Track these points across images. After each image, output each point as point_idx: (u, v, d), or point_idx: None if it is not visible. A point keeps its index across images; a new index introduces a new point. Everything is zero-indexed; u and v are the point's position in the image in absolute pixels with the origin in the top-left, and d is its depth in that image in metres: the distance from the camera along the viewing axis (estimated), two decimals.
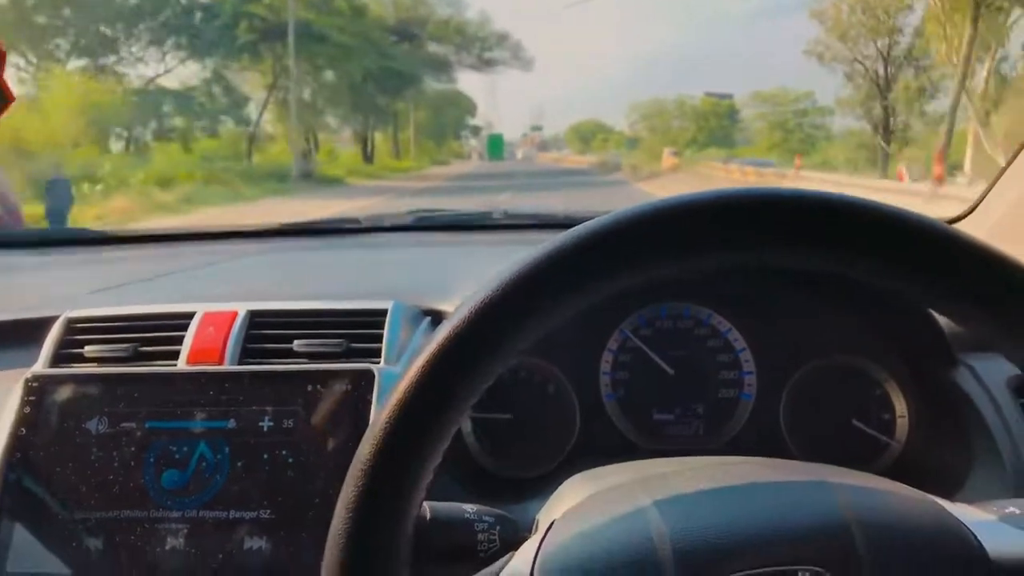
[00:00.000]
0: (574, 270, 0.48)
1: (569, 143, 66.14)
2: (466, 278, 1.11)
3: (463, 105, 58.44)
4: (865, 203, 0.47)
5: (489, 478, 1.04)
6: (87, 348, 0.95)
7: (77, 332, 0.98)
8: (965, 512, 0.54)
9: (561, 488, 0.67)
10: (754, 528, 0.49)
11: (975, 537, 0.51)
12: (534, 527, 0.62)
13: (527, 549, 0.54)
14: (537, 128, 79.86)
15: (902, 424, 1.02)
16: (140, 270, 1.35)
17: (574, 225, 0.49)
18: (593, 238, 0.47)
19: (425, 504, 0.62)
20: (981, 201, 1.33)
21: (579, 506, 0.58)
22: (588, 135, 64.82)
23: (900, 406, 1.02)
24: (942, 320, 0.95)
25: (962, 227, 1.34)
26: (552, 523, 0.57)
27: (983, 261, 0.46)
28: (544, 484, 0.76)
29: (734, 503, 0.52)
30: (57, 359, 0.96)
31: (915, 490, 0.54)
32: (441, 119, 53.24)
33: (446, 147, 56.01)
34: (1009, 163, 1.27)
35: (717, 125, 45.72)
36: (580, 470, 0.67)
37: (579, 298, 0.48)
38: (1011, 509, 0.61)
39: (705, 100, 46.76)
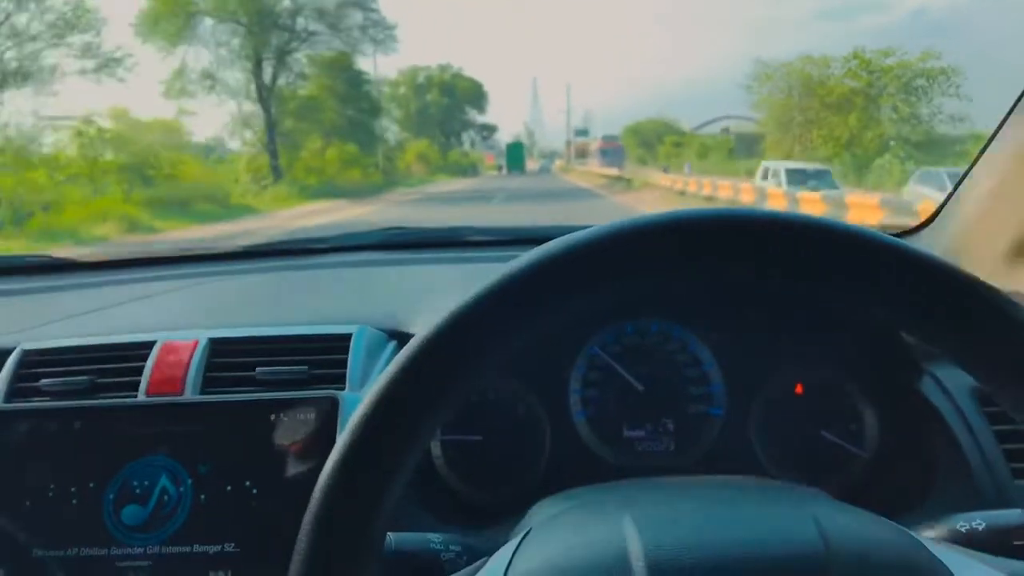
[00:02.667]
0: (528, 295, 0.47)
1: (629, 149, 50.16)
2: (434, 299, 1.10)
3: (462, 91, 49.36)
4: (807, 219, 0.47)
5: (459, 502, 1.03)
6: (43, 381, 0.93)
7: (33, 365, 0.95)
8: (943, 550, 0.54)
9: (531, 511, 0.66)
10: (730, 550, 0.49)
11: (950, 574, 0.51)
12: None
13: (499, 558, 0.54)
14: (582, 133, 67.89)
15: (871, 434, 1.02)
16: (96, 298, 1.32)
17: (544, 240, 0.49)
18: (545, 263, 0.47)
19: (390, 535, 0.61)
20: (940, 210, 1.34)
21: (554, 518, 0.57)
22: (651, 138, 48.10)
23: (868, 417, 1.03)
24: None
25: (922, 236, 1.36)
26: (526, 533, 0.56)
27: (931, 274, 0.46)
28: (515, 507, 0.75)
29: (712, 524, 0.52)
30: (12, 393, 0.93)
31: (893, 524, 0.54)
32: (429, 110, 46.08)
33: (450, 155, 47.40)
34: (966, 172, 1.28)
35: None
36: (551, 492, 0.66)
37: (538, 321, 0.48)
38: (977, 523, 0.62)
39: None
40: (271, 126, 28.23)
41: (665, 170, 30.91)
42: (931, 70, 21.63)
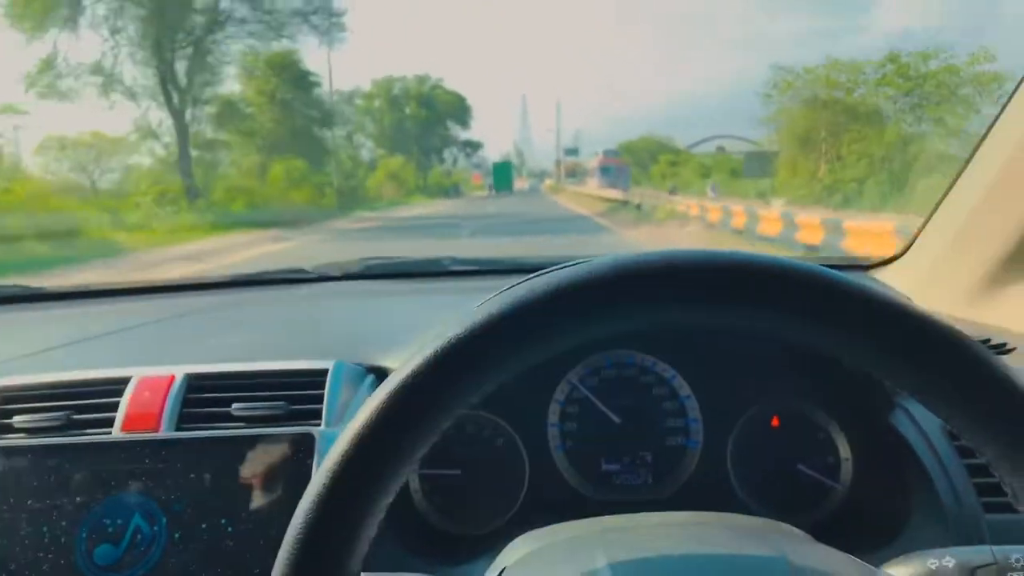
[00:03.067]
0: (509, 335, 0.48)
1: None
2: (412, 331, 1.11)
3: (443, 103, 45.47)
4: (769, 261, 0.48)
5: (437, 536, 1.02)
6: (16, 418, 0.92)
7: (6, 401, 0.94)
8: None
9: (508, 548, 0.66)
10: None
11: None
12: None
13: None
14: (572, 152, 64.79)
15: (846, 467, 1.03)
16: (71, 330, 1.31)
17: (523, 271, 0.49)
18: (526, 303, 0.48)
19: (363, 575, 0.61)
20: (913, 242, 1.36)
21: (528, 557, 0.58)
22: (645, 158, 45.03)
23: (843, 449, 1.04)
24: None
25: (894, 268, 1.38)
26: (503, 570, 0.56)
27: (885, 314, 0.47)
28: (493, 542, 0.75)
29: (684, 565, 0.52)
30: None
31: (866, 566, 0.55)
32: (406, 125, 42.20)
33: (432, 174, 44.46)
34: (939, 203, 1.31)
35: None
36: (530, 525, 0.67)
37: (517, 361, 0.48)
38: (947, 560, 0.62)
39: None
40: (183, 135, 22.49)
41: (673, 192, 27.08)
42: (983, 76, 16.84)
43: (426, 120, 45.00)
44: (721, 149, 40.57)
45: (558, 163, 64.89)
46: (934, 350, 0.47)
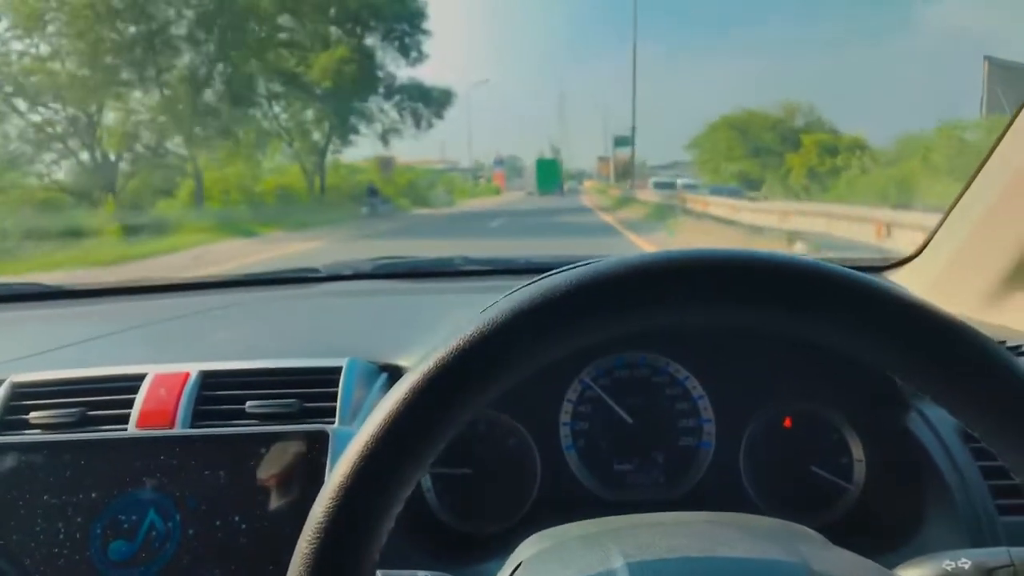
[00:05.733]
0: (526, 333, 0.48)
1: (701, 166, 32.71)
2: (425, 330, 1.11)
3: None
4: (779, 258, 0.48)
5: (449, 535, 1.02)
6: (33, 414, 0.92)
7: (22, 397, 0.95)
8: None
9: (523, 544, 0.66)
10: None
11: None
12: None
13: None
14: (623, 143, 44.11)
15: (859, 469, 1.03)
16: (87, 327, 1.32)
17: (535, 271, 0.49)
18: (547, 299, 0.47)
19: (378, 572, 0.61)
20: (928, 243, 1.36)
21: (545, 553, 0.58)
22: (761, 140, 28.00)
23: (857, 451, 1.03)
24: None
25: (908, 270, 1.37)
26: (519, 565, 0.56)
27: (905, 314, 0.47)
28: (505, 541, 0.75)
29: (704, 565, 0.52)
30: (2, 426, 0.93)
31: (885, 571, 0.54)
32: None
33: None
34: (953, 204, 1.30)
35: None
36: (541, 525, 0.67)
37: (534, 359, 0.48)
38: (963, 561, 0.62)
39: None
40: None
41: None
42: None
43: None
44: None
45: (605, 160, 50.15)
46: (958, 353, 0.47)
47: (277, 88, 24.18)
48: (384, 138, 27.76)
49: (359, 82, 24.66)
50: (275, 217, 17.86)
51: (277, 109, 24.73)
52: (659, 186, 30.13)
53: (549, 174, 43.26)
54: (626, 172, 42.44)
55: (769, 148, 27.58)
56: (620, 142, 46.23)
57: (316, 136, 25.69)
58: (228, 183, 20.86)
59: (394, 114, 27.57)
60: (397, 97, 27.18)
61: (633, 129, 38.26)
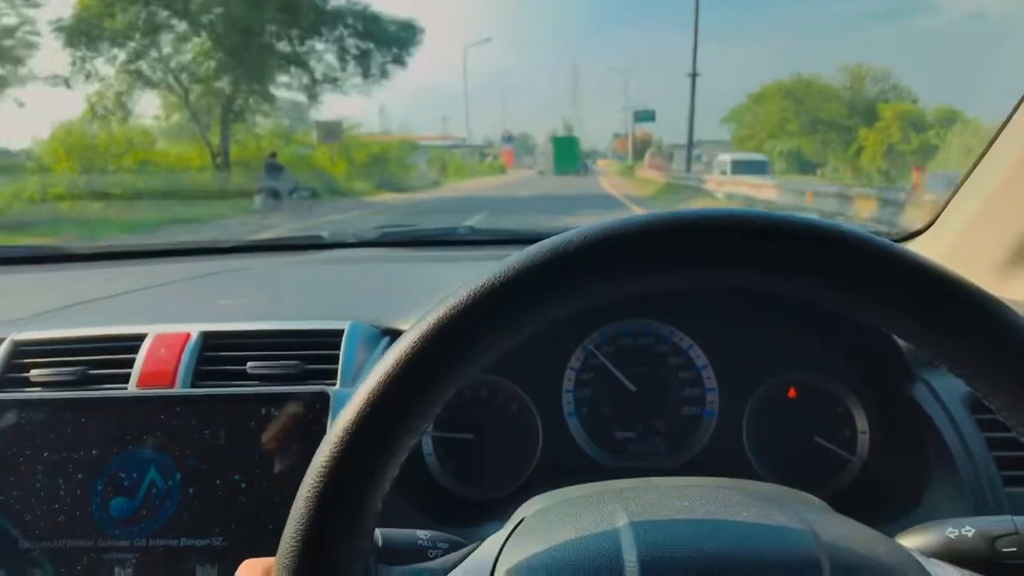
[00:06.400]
0: (525, 292, 0.47)
1: (739, 144, 27.11)
2: (427, 295, 1.10)
3: None
4: (799, 221, 0.47)
5: (450, 499, 1.02)
6: (33, 372, 0.92)
7: (23, 355, 0.95)
8: (937, 567, 0.54)
9: (521, 509, 0.66)
10: (726, 554, 0.49)
11: None
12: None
13: (492, 543, 0.53)
14: (645, 117, 41.27)
15: (863, 440, 1.02)
16: (88, 290, 1.32)
17: (533, 241, 0.48)
18: (543, 261, 0.47)
19: (377, 531, 0.61)
20: (940, 215, 1.34)
21: (547, 510, 0.57)
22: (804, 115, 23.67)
23: (861, 422, 1.03)
24: None
25: (922, 241, 1.36)
26: (520, 520, 0.56)
27: (922, 277, 0.46)
28: (505, 506, 0.74)
29: (708, 526, 0.52)
30: (2, 384, 0.93)
31: (893, 542, 0.54)
32: None
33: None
34: (966, 177, 1.28)
35: None
36: (542, 490, 0.66)
37: (532, 318, 0.47)
38: (966, 529, 0.61)
39: None
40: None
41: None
42: None
43: None
44: None
45: (621, 136, 45.31)
46: (980, 322, 0.46)
47: (160, 16, 16.24)
48: (310, 91, 18.91)
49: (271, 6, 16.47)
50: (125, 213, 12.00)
51: (167, 50, 16.57)
52: (742, 167, 19.76)
53: (567, 152, 40.03)
54: (643, 150, 37.99)
55: (832, 122, 21.99)
56: (642, 116, 42.43)
57: (222, 86, 17.43)
58: (69, 150, 14.37)
59: (331, 58, 18.91)
60: (336, 32, 18.57)
61: (694, 75, 24.07)
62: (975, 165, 1.27)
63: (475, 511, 0.97)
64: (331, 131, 21.60)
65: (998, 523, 0.59)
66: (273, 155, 15.67)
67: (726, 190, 16.95)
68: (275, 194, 13.68)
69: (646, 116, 42.04)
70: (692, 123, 23.93)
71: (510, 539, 0.54)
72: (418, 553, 0.60)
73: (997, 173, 1.19)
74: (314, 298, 1.28)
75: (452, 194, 22.20)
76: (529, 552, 0.51)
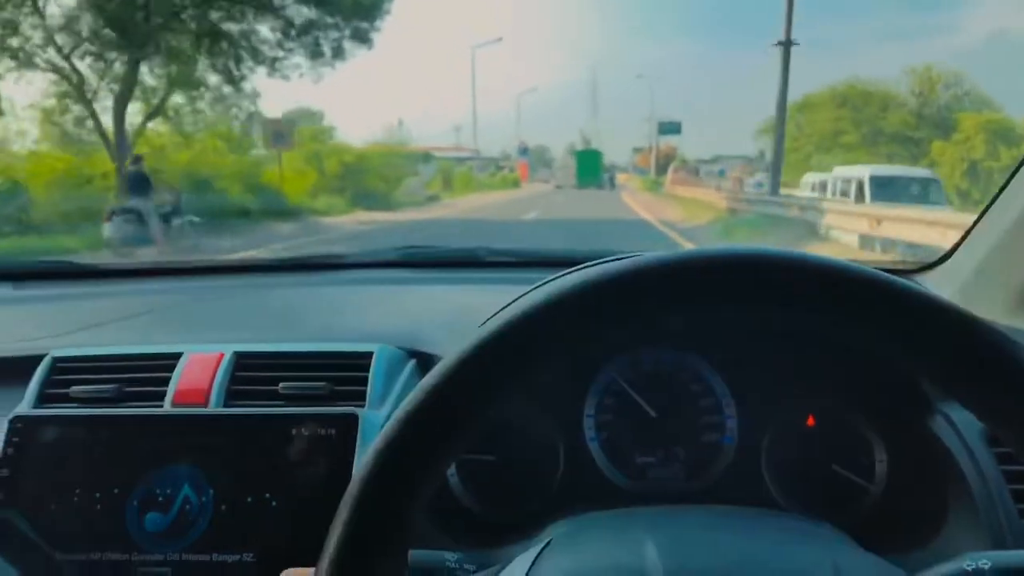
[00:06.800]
0: (557, 326, 0.49)
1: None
2: (451, 319, 1.13)
3: None
4: (810, 259, 0.48)
5: (472, 520, 1.04)
6: (72, 388, 0.95)
7: (63, 372, 0.98)
8: None
9: (549, 529, 0.67)
10: None
11: None
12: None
13: (521, 563, 0.55)
14: (671, 129, 39.98)
15: (881, 470, 1.03)
16: (123, 306, 1.35)
17: (556, 264, 0.50)
18: (578, 294, 0.48)
19: (410, 552, 0.62)
20: (956, 248, 1.35)
21: (576, 533, 0.59)
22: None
23: (879, 452, 1.04)
24: None
25: (936, 274, 1.37)
26: (549, 540, 0.57)
27: (931, 316, 0.47)
28: (526, 528, 0.76)
29: (733, 554, 0.53)
30: (42, 399, 0.96)
31: None
32: None
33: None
34: (985, 210, 1.29)
35: None
36: (564, 514, 0.68)
37: (563, 353, 0.49)
38: (983, 562, 0.63)
39: None
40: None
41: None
42: None
43: None
44: None
45: (642, 151, 43.18)
46: (985, 356, 0.47)
47: None
48: (231, 78, 14.29)
49: None
50: None
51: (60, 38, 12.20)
52: (887, 188, 12.79)
53: (590, 165, 39.22)
54: (667, 166, 34.85)
55: (896, 134, 18.32)
56: (667, 128, 40.37)
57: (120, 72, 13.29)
58: None
59: (266, 32, 14.29)
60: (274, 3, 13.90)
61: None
62: (996, 196, 1.28)
63: (495, 533, 0.98)
64: (279, 135, 16.10)
65: (1016, 558, 0.61)
66: (138, 160, 11.15)
67: (861, 229, 9.87)
68: (139, 218, 9.61)
69: (671, 128, 40.19)
70: (783, 111, 15.50)
71: (539, 558, 0.55)
72: (447, 574, 0.62)
73: (1016, 205, 1.20)
74: (342, 319, 1.31)
75: (443, 214, 18.28)
76: (558, 571, 0.53)
